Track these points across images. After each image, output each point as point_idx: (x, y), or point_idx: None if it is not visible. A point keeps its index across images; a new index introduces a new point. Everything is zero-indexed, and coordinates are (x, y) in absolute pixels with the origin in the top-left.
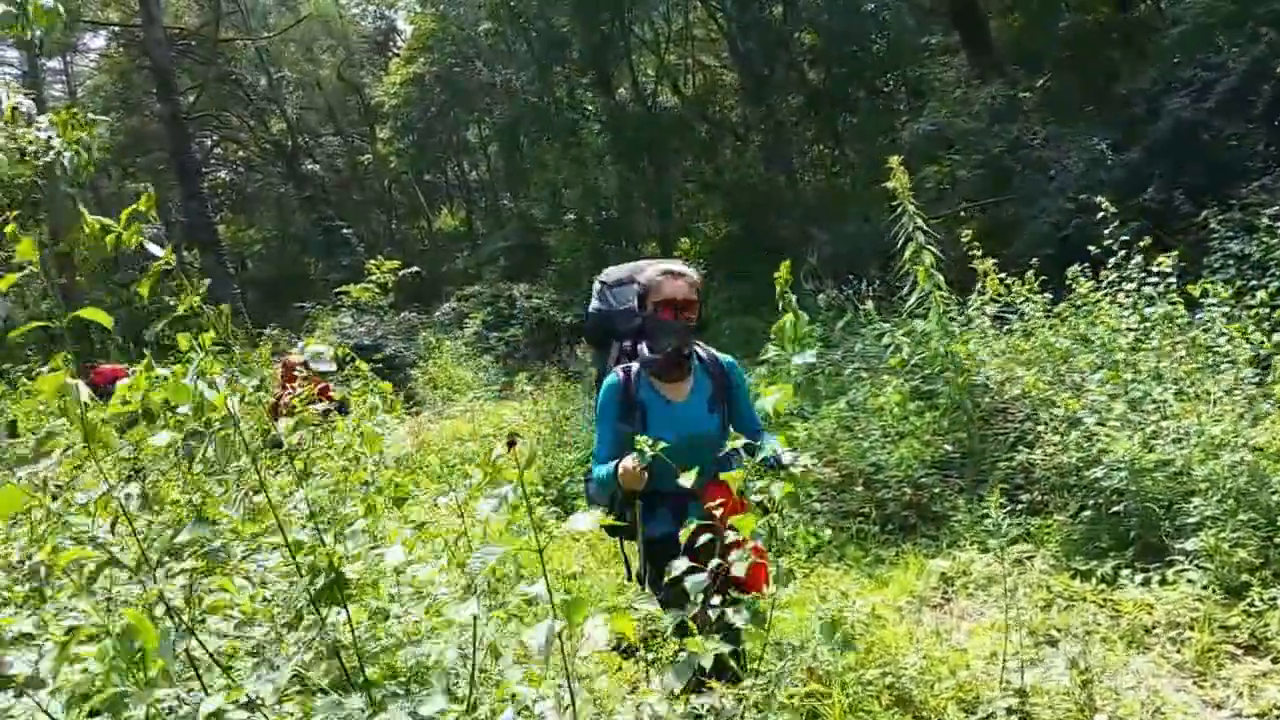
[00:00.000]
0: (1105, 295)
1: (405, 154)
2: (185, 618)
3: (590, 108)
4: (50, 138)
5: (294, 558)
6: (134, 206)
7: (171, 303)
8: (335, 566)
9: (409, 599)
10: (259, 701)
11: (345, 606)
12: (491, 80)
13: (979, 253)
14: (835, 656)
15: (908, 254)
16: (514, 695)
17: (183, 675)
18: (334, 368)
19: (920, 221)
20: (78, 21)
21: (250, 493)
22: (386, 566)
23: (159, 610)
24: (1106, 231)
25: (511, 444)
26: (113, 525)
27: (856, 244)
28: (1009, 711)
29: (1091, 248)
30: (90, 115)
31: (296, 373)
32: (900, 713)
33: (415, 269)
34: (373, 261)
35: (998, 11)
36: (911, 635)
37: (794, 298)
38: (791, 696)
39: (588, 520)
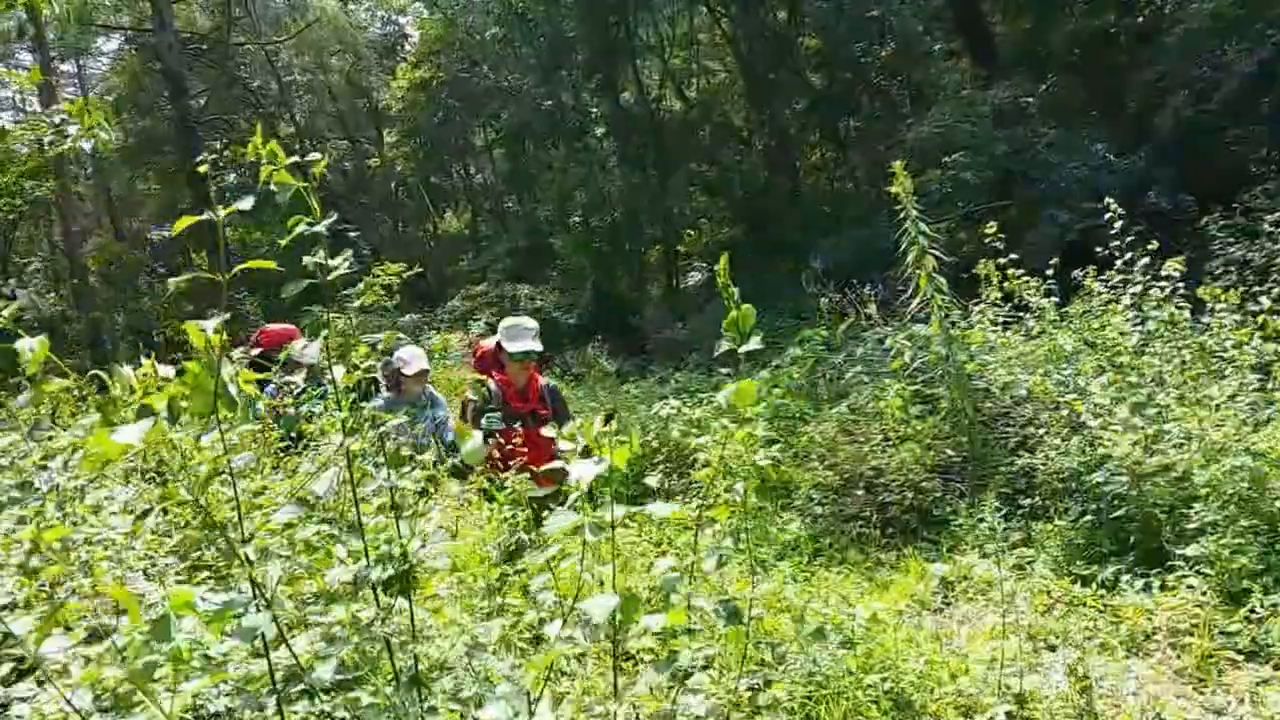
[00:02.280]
0: (1109, 300)
1: (412, 157)
2: (271, 594)
3: (595, 111)
4: (63, 120)
5: (365, 545)
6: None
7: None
8: (406, 557)
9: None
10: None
11: (410, 598)
12: (498, 84)
13: (1001, 245)
14: (835, 661)
15: (910, 258)
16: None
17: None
18: (539, 346)
19: (923, 226)
20: (90, 25)
21: (337, 476)
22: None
23: (252, 590)
24: (1112, 233)
25: (609, 419)
26: (201, 494)
27: (859, 248)
28: (1008, 717)
29: (1100, 249)
30: (105, 100)
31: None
32: (899, 717)
33: (420, 270)
34: (378, 268)
35: (1003, 17)
36: (911, 639)
37: (736, 290)
38: (790, 699)
39: (666, 508)
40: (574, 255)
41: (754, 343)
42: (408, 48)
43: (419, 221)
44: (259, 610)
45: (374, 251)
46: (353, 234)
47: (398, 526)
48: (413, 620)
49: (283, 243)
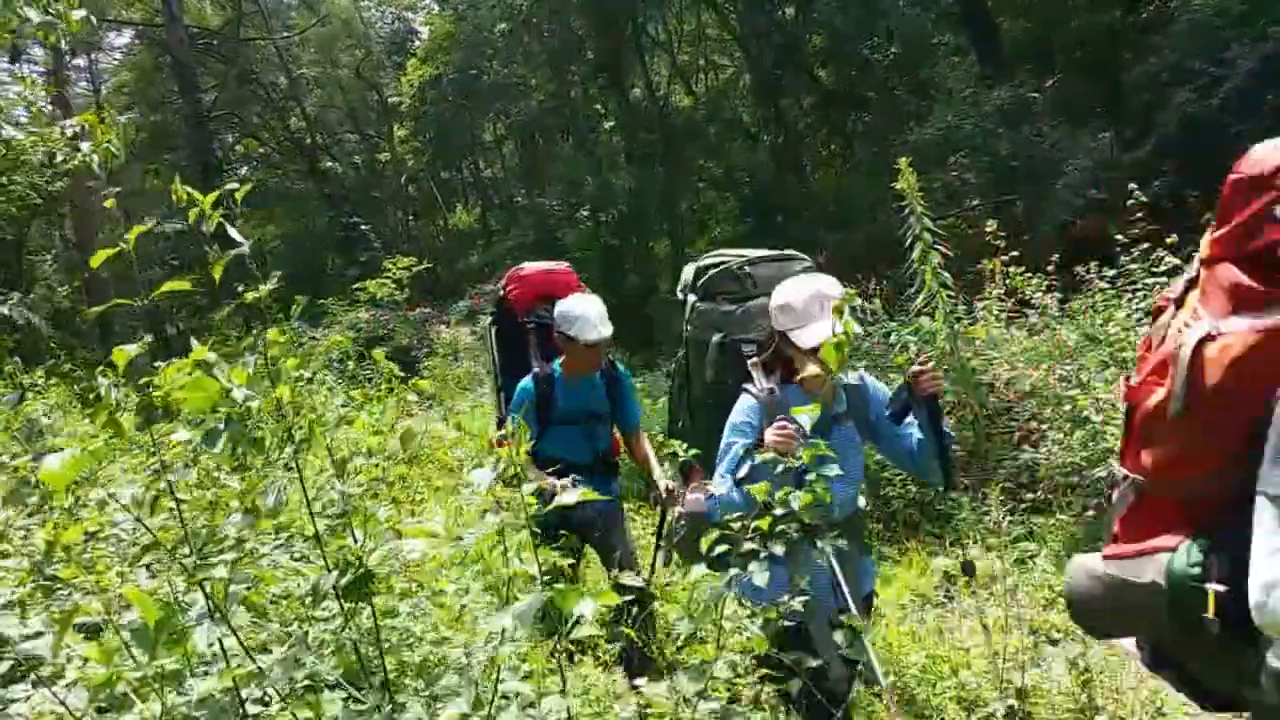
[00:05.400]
0: (1113, 294)
1: (422, 152)
2: (220, 606)
3: (602, 107)
4: (76, 134)
5: (322, 551)
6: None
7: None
8: (363, 562)
9: (411, 595)
10: (264, 699)
11: (370, 603)
12: (507, 80)
13: (1004, 241)
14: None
15: (915, 254)
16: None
17: (213, 664)
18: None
19: (928, 222)
20: (103, 21)
21: (284, 485)
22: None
23: (198, 597)
24: (1122, 232)
25: (500, 423)
26: (151, 507)
27: (866, 243)
28: (1009, 711)
29: (1102, 244)
30: (117, 116)
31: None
32: (902, 711)
33: (431, 264)
34: (389, 260)
35: (1009, 13)
36: (914, 633)
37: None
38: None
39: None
40: (582, 250)
41: (850, 378)
42: (417, 43)
43: (429, 215)
44: (212, 619)
45: (384, 246)
46: (363, 228)
47: (351, 533)
48: (376, 624)
49: (215, 274)
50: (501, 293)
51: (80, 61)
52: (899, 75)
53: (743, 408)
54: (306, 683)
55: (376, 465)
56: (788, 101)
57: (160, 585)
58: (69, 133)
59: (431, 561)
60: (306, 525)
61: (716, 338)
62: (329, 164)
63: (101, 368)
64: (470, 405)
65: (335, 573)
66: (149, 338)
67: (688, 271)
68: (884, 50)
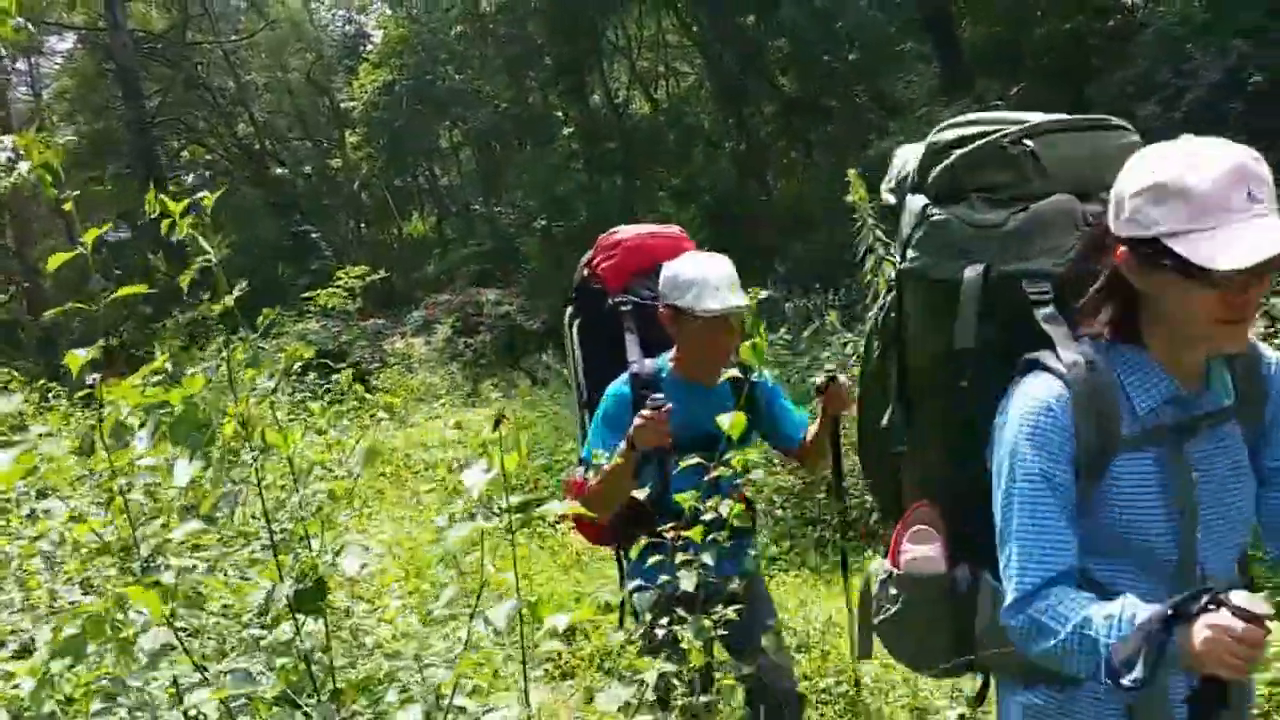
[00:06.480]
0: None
1: (376, 159)
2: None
3: (562, 114)
4: (14, 160)
5: (276, 560)
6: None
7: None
8: (318, 572)
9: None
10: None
11: (324, 614)
12: (464, 86)
13: None
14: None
15: (868, 266)
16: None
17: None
18: None
19: (880, 233)
20: (40, 23)
21: (241, 492)
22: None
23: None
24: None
25: (498, 423)
26: (107, 504)
27: (826, 253)
28: (960, 719)
29: None
30: (53, 135)
31: None
32: None
33: (384, 274)
34: (341, 270)
35: (973, 19)
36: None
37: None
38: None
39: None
40: (540, 260)
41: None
42: (370, 47)
43: (383, 224)
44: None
45: (336, 254)
46: (314, 236)
47: (307, 539)
48: (328, 635)
49: (182, 280)
50: (584, 271)
51: (21, 65)
52: (860, 82)
53: (1033, 401)
54: (251, 695)
55: (337, 477)
56: (749, 109)
57: (107, 601)
58: (3, 158)
59: (380, 576)
60: (257, 533)
61: (971, 271)
62: (279, 170)
63: (44, 382)
64: (425, 418)
65: (289, 582)
66: (102, 342)
67: (905, 158)
68: (845, 56)
